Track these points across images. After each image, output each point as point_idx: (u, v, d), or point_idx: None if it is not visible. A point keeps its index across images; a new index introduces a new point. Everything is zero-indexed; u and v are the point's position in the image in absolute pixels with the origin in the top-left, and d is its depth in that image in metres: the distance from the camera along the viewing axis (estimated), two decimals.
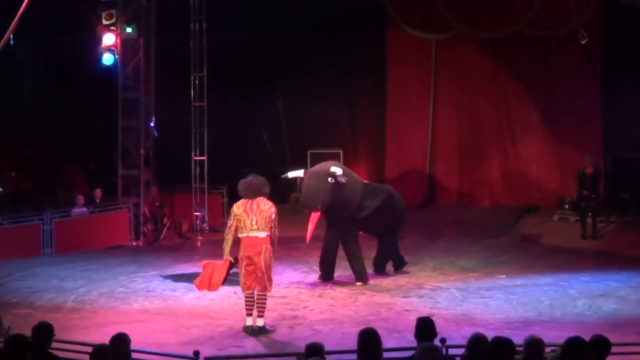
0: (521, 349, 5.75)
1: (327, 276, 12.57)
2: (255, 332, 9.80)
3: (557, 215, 17.45)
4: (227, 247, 10.03)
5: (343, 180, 12.09)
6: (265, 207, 9.89)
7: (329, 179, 12.03)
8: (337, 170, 12.11)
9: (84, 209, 16.35)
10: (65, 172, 19.57)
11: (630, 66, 16.41)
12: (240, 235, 9.92)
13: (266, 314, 10.23)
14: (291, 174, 12.77)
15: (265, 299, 10.04)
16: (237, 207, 9.95)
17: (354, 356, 5.86)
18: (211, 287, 10.24)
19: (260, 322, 9.93)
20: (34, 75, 20.47)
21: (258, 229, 9.83)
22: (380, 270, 13.02)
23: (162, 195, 17.72)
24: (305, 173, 12.45)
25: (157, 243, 16.63)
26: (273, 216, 9.89)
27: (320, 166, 12.54)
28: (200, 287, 10.42)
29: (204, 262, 10.45)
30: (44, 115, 20.30)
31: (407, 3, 18.82)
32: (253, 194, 9.93)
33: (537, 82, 18.42)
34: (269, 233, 9.89)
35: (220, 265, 10.10)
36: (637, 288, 11.82)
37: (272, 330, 9.99)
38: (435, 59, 19.11)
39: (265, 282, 9.87)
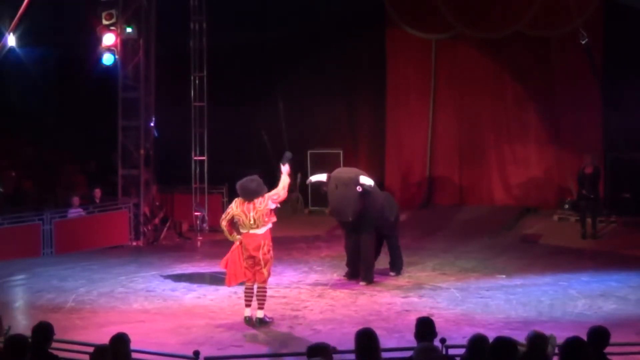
0: (523, 349, 5.76)
1: (353, 275, 12.64)
2: (254, 323, 10.19)
3: (557, 215, 17.46)
4: (230, 236, 10.36)
5: (369, 189, 12.22)
6: (261, 206, 10.20)
7: (357, 188, 12.06)
8: (369, 181, 12.20)
9: (80, 210, 16.32)
10: (65, 172, 19.56)
11: (630, 66, 16.40)
12: (241, 230, 10.30)
13: (267, 313, 10.29)
14: (314, 178, 12.79)
15: (265, 291, 10.40)
16: (236, 206, 10.29)
17: (354, 356, 5.86)
18: (239, 277, 10.50)
19: (260, 314, 10.27)
20: (34, 75, 20.46)
21: (257, 227, 10.22)
22: (398, 270, 13.04)
23: (161, 195, 17.71)
24: (328, 178, 12.42)
25: (157, 243, 16.63)
26: (269, 209, 10.25)
27: (346, 173, 12.55)
28: (232, 284, 10.67)
29: (222, 263, 10.60)
30: (44, 115, 20.29)
31: (407, 3, 18.82)
32: (250, 197, 10.21)
33: (537, 82, 18.40)
34: (268, 227, 10.29)
35: (237, 254, 10.36)
36: (637, 288, 11.83)
37: (270, 321, 10.28)
38: (435, 59, 19.08)
39: (264, 274, 10.30)
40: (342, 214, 12.21)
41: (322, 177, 12.54)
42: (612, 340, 5.97)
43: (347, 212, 12.08)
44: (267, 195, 10.28)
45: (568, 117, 18.03)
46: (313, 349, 5.72)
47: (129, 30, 16.30)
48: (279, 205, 10.51)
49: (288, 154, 10.89)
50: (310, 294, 11.87)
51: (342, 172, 12.71)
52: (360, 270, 12.55)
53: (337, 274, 13.05)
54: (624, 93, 16.49)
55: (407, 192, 19.16)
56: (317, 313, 10.81)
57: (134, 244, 16.34)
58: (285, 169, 10.62)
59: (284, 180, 10.49)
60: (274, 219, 10.40)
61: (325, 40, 19.43)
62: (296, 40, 19.34)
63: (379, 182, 18.63)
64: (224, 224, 10.29)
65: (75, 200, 16.42)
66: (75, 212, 16.24)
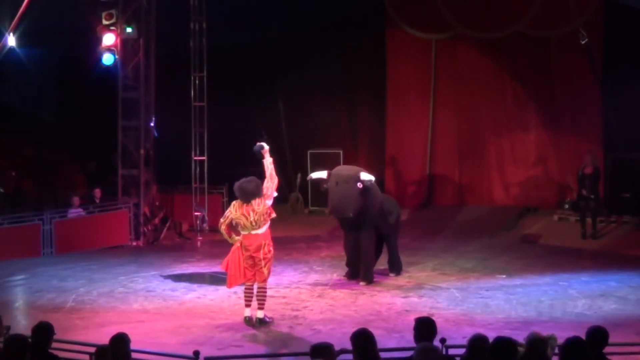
0: (522, 349, 5.76)
1: (354, 275, 12.66)
2: (254, 323, 10.17)
3: (557, 215, 17.46)
4: (230, 238, 10.39)
5: (370, 185, 12.23)
6: (260, 207, 10.17)
7: (358, 184, 12.06)
8: (370, 177, 12.20)
9: (80, 210, 16.32)
10: (65, 172, 19.57)
11: (630, 66, 16.39)
12: (242, 232, 10.28)
13: (267, 313, 10.30)
14: (314, 175, 12.79)
15: (265, 291, 10.40)
16: (235, 210, 10.25)
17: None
18: (240, 279, 10.47)
19: (260, 314, 10.27)
20: (34, 75, 20.47)
21: (258, 227, 10.21)
22: (397, 270, 13.04)
23: (161, 195, 17.71)
24: (328, 175, 12.43)
25: (157, 243, 16.64)
26: (267, 207, 10.23)
27: (346, 170, 12.58)
28: (233, 285, 10.63)
29: (223, 264, 10.57)
30: (44, 115, 20.27)
31: (407, 3, 18.82)
32: (248, 198, 10.17)
33: (537, 82, 18.40)
34: (268, 225, 10.30)
35: (237, 255, 10.35)
36: (637, 288, 11.83)
37: (270, 321, 10.28)
38: (435, 59, 19.08)
39: (264, 273, 10.30)
40: (342, 210, 12.20)
41: (322, 174, 12.55)
42: (612, 340, 5.97)
43: (348, 209, 12.07)
44: (263, 198, 10.23)
45: (568, 117, 18.03)
46: (316, 348, 5.72)
47: (129, 30, 16.30)
48: (276, 193, 10.52)
49: (257, 146, 10.73)
50: (310, 294, 11.87)
51: (343, 169, 12.75)
52: (360, 270, 12.56)
53: (337, 274, 13.06)
54: (624, 93, 16.48)
55: (407, 192, 19.16)
56: (317, 313, 10.81)
57: (134, 244, 16.34)
58: (266, 161, 10.56)
59: (267, 165, 10.48)
60: (274, 214, 10.39)
61: (325, 40, 19.42)
62: (296, 40, 19.34)
63: (379, 182, 18.65)
64: (223, 228, 10.29)
65: (75, 200, 16.43)
66: (75, 212, 16.25)
